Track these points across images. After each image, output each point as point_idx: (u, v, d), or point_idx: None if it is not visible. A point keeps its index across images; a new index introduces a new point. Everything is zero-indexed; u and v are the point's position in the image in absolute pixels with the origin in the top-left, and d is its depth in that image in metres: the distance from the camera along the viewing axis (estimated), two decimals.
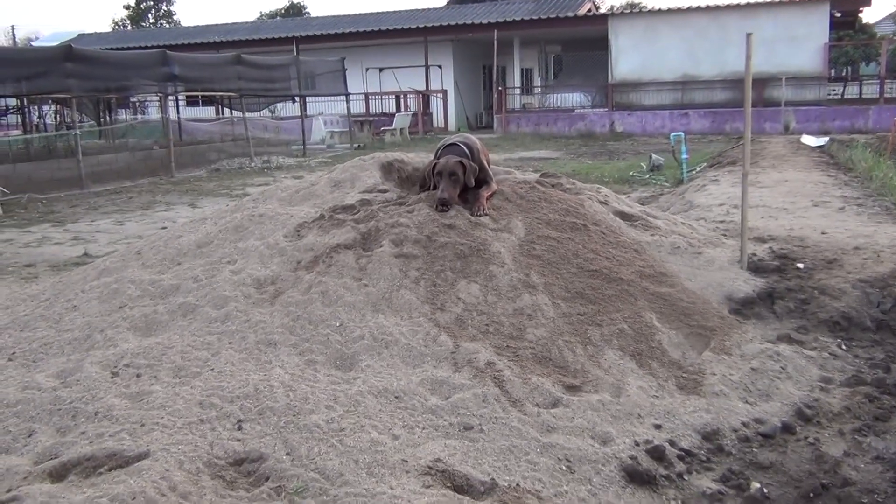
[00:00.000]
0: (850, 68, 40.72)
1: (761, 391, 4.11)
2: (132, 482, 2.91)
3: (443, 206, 5.17)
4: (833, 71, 35.27)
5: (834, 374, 4.38)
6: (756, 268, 5.60)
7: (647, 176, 14.85)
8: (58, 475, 3.14)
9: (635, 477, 3.34)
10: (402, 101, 34.38)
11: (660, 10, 29.79)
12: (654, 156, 16.05)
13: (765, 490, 3.31)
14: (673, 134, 14.97)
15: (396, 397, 3.70)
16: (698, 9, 29.47)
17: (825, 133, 22.22)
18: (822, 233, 6.88)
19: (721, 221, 7.61)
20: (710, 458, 3.56)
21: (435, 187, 5.34)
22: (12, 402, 3.76)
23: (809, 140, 19.13)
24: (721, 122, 27.79)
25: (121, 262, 5.55)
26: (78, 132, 17.45)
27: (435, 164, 5.37)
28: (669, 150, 15.30)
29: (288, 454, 3.20)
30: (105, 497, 2.80)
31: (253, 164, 21.44)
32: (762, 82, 26.68)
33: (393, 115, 31.28)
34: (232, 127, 25.58)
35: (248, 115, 23.75)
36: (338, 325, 4.29)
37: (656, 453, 3.49)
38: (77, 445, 3.32)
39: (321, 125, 29.64)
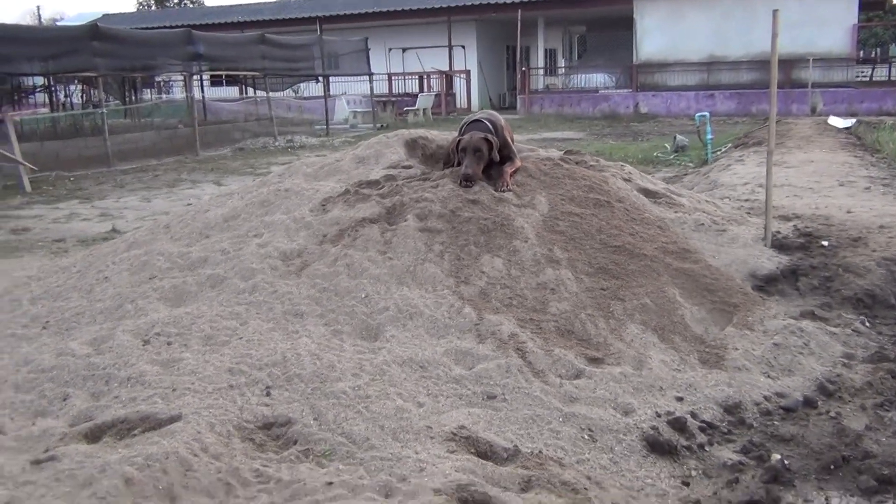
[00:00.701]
0: (879, 50, 40.13)
1: (783, 366, 4.13)
2: (165, 443, 2.99)
3: (467, 181, 5.21)
4: (861, 52, 34.76)
5: (857, 350, 4.39)
6: (780, 245, 5.60)
7: (672, 157, 14.78)
8: (93, 436, 3.24)
9: (656, 447, 3.39)
10: (425, 81, 34.34)
11: None
12: (678, 137, 15.96)
13: (785, 462, 3.34)
14: (698, 114, 14.86)
15: (421, 367, 3.76)
16: None
17: (852, 115, 21.95)
18: (848, 212, 6.85)
19: (746, 200, 7.59)
20: (731, 431, 3.60)
21: (459, 163, 5.38)
22: (47, 368, 3.87)
23: (836, 122, 18.92)
24: (747, 103, 27.53)
25: (150, 235, 5.65)
26: (104, 111, 17.61)
27: (459, 140, 5.41)
28: (694, 132, 15.20)
29: (315, 419, 3.27)
30: (140, 456, 2.89)
31: (277, 144, 21.55)
32: (789, 63, 26.40)
33: (416, 96, 31.26)
34: (256, 106, 25.68)
35: (271, 94, 23.83)
36: (363, 296, 4.36)
37: (678, 424, 3.53)
38: (111, 409, 3.42)
39: (344, 105, 29.68)
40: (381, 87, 33.02)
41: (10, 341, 4.40)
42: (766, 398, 3.84)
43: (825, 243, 5.66)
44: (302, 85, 31.51)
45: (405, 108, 29.97)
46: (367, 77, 28.03)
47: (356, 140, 19.66)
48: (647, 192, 5.91)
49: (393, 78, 34.80)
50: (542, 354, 3.92)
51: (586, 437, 3.37)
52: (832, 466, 3.32)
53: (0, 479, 2.93)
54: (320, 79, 27.43)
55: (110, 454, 2.98)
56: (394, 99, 31.91)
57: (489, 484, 2.86)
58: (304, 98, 31.35)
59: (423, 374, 3.71)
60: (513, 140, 5.82)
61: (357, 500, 2.71)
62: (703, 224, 5.59)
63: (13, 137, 13.52)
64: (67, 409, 3.50)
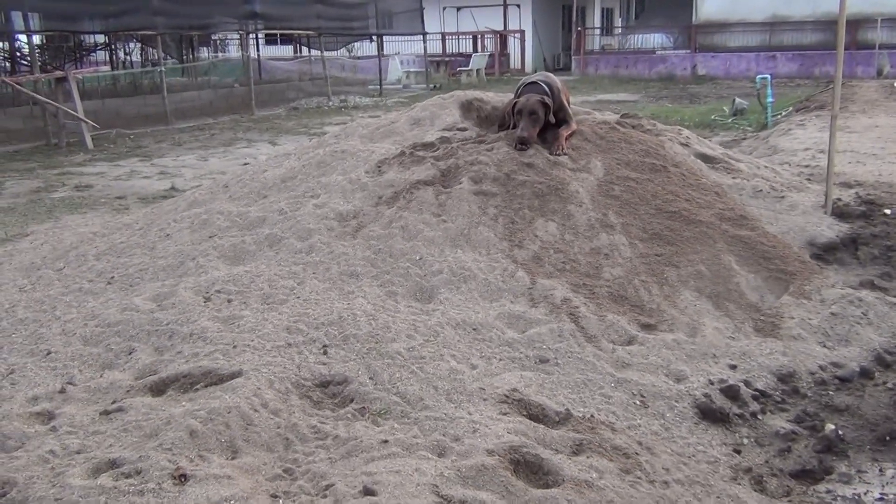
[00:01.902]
0: None
1: (840, 336, 4.08)
2: (227, 398, 3.10)
3: (522, 144, 5.19)
4: None
5: None
6: (841, 213, 5.49)
7: (730, 120, 14.48)
8: (157, 390, 3.37)
9: (708, 414, 3.40)
10: (478, 41, 33.99)
11: None
12: (737, 99, 15.60)
13: (840, 432, 3.32)
14: (759, 76, 14.49)
15: (474, 329, 3.81)
16: None
17: None
18: None
19: (806, 166, 7.44)
20: (784, 400, 3.58)
21: (515, 126, 5.36)
22: (113, 322, 4.01)
23: None
24: (810, 65, 26.72)
25: (209, 194, 5.76)
26: (163, 69, 17.86)
27: (515, 103, 5.38)
28: (754, 94, 14.84)
29: (371, 378, 3.35)
30: (203, 410, 3.00)
31: (330, 104, 21.65)
32: (856, 24, 25.48)
33: (469, 56, 31.00)
34: (310, 66, 25.80)
35: (325, 54, 23.86)
36: (417, 258, 4.40)
37: (730, 392, 3.53)
38: (174, 363, 3.54)
39: (398, 65, 29.59)
40: (434, 47, 32.74)
41: (78, 296, 4.55)
42: (821, 368, 3.81)
43: (888, 211, 5.53)
44: (356, 44, 31.44)
45: (458, 69, 29.75)
46: (421, 37, 27.85)
47: (409, 100, 19.66)
48: (705, 157, 5.83)
49: (447, 37, 34.48)
50: (594, 320, 3.93)
51: (638, 402, 3.40)
52: (888, 438, 3.30)
53: (71, 429, 3.07)
54: (374, 38, 27.36)
55: (174, 407, 3.10)
56: (447, 59, 31.68)
57: (541, 446, 2.90)
58: (358, 58, 31.29)
59: (477, 337, 3.76)
60: (569, 102, 5.78)
61: (411, 458, 2.78)
62: (761, 190, 5.50)
63: (76, 95, 13.82)
64: (133, 363, 3.64)
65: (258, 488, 2.64)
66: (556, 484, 2.70)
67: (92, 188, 9.85)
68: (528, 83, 5.55)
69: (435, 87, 25.93)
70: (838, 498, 2.98)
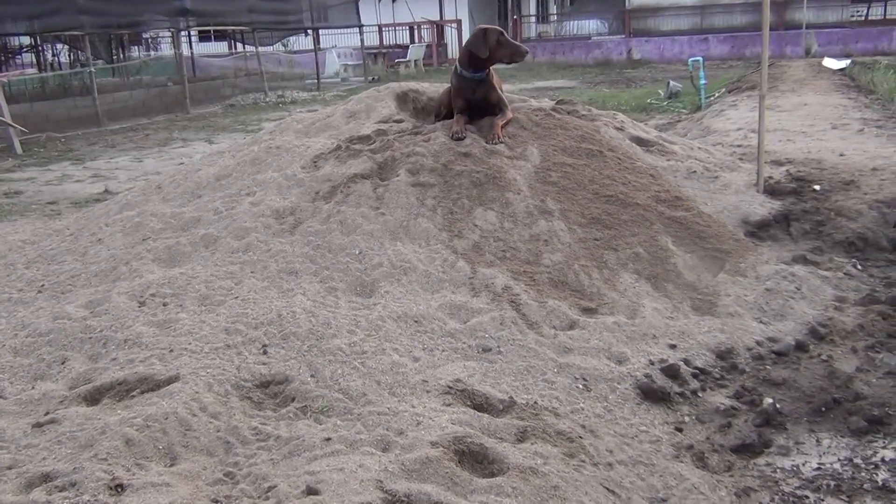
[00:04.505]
0: None
1: (775, 311, 4.17)
2: (164, 404, 3.03)
3: (460, 134, 5.18)
4: None
5: (848, 293, 4.42)
6: (772, 191, 5.60)
7: (665, 103, 14.68)
8: (92, 399, 3.28)
9: (650, 394, 3.44)
10: (415, 32, 33.89)
11: None
12: (671, 82, 15.84)
13: (777, 405, 3.39)
14: (691, 59, 14.74)
15: (416, 321, 3.79)
16: None
17: (847, 55, 21.75)
18: (840, 155, 6.84)
19: (738, 146, 7.56)
20: (723, 376, 3.64)
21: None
22: (45, 332, 3.89)
23: (831, 63, 18.76)
24: (741, 46, 27.26)
25: (142, 196, 5.63)
26: (93, 70, 17.42)
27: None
28: (688, 77, 15.09)
29: (312, 376, 3.30)
30: (139, 417, 2.93)
31: (267, 99, 21.38)
32: (783, 4, 26.07)
33: (407, 47, 30.89)
34: (245, 62, 25.39)
35: (261, 49, 23.54)
36: (357, 253, 4.36)
37: (671, 371, 3.57)
38: (109, 371, 3.45)
39: (335, 58, 29.37)
40: (371, 39, 32.57)
41: (7, 305, 4.41)
42: (758, 343, 3.88)
43: (817, 187, 5.66)
44: (291, 39, 31.09)
45: (396, 60, 29.66)
46: (357, 29, 27.67)
47: (347, 94, 19.50)
48: (640, 141, 5.89)
49: (383, 29, 34.33)
50: (535, 306, 3.94)
51: (580, 386, 3.42)
52: (823, 409, 3.37)
53: (2, 443, 2.97)
54: (309, 32, 27.07)
55: (110, 416, 3.02)
56: (385, 51, 31.55)
57: (485, 435, 2.90)
58: (294, 52, 30.95)
59: (419, 329, 3.74)
60: (502, 91, 5.78)
61: (355, 454, 2.75)
62: (695, 171, 5.58)
63: (2, 99, 13.37)
64: (66, 372, 3.53)
65: (198, 494, 2.58)
66: (501, 472, 2.70)
67: (22, 194, 9.56)
68: None
69: (373, 79, 25.79)
70: (778, 470, 3.04)
